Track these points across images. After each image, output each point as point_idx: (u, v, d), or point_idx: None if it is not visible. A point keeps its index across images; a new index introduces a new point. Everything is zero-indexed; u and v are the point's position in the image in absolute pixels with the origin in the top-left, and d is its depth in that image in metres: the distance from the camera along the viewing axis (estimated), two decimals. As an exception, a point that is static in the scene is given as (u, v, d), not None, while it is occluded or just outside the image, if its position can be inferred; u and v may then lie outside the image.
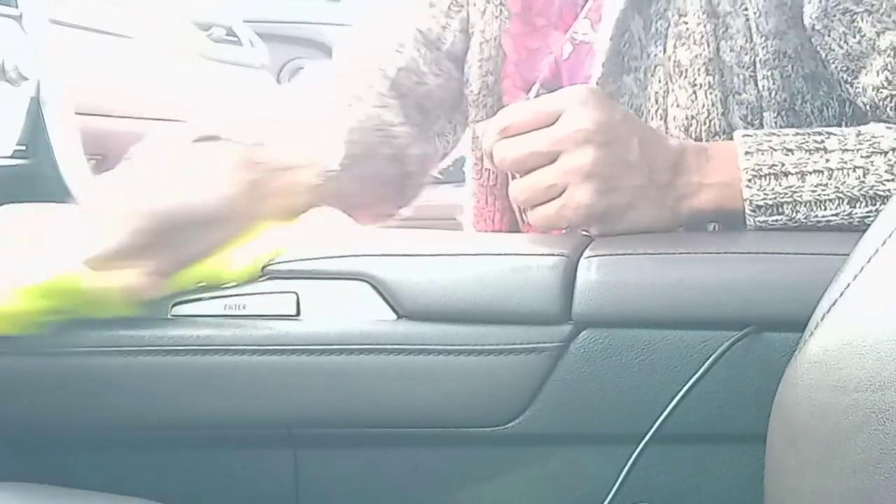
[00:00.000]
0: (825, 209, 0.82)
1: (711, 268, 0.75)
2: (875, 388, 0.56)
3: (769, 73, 0.89)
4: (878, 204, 0.82)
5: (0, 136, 1.51)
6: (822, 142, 0.84)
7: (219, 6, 2.49)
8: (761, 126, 0.90)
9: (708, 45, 0.90)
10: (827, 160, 0.83)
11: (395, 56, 1.05)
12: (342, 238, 0.91)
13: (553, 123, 0.84)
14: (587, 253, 0.77)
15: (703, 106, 0.90)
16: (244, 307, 0.79)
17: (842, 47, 0.86)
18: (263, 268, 0.82)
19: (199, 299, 0.80)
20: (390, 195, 1.06)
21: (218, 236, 0.81)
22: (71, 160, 1.58)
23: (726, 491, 0.76)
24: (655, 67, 0.92)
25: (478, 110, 1.04)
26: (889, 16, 0.85)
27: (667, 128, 0.91)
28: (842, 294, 0.60)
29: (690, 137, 0.90)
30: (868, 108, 0.87)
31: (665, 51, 0.91)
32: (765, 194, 0.83)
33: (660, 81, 0.92)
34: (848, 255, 0.62)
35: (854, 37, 0.85)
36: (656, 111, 0.92)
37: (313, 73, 1.09)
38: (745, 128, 0.90)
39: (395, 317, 0.78)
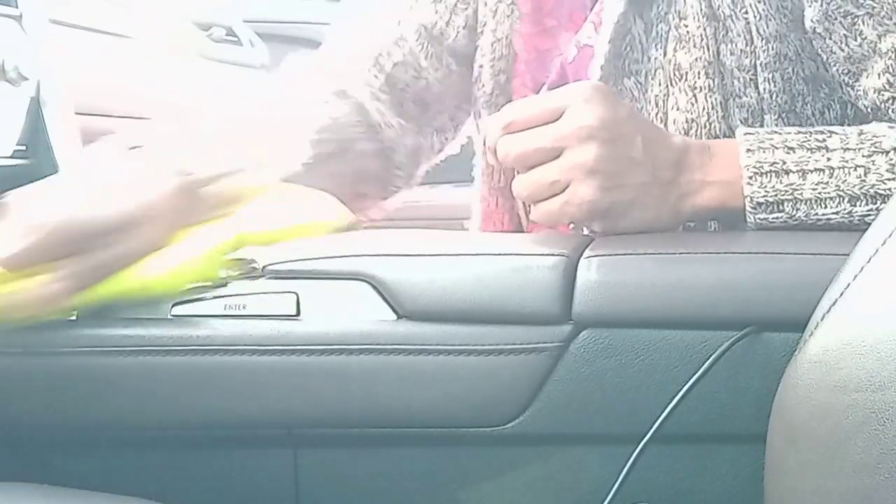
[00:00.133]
0: (826, 207, 0.82)
1: (711, 268, 0.75)
2: (875, 388, 0.56)
3: (770, 76, 0.89)
4: (878, 203, 0.82)
5: (0, 136, 1.51)
6: (824, 140, 0.84)
7: (219, 6, 2.49)
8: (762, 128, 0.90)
9: (708, 49, 0.90)
10: (828, 159, 0.83)
11: (394, 49, 1.05)
12: (342, 238, 0.91)
13: (557, 120, 0.84)
14: (587, 253, 0.77)
15: (704, 109, 0.90)
16: (244, 307, 0.79)
17: (843, 50, 0.86)
18: (264, 267, 0.82)
19: (200, 299, 0.80)
20: (373, 190, 1.05)
21: (135, 245, 0.78)
22: (71, 160, 1.58)
23: (726, 491, 0.76)
24: (656, 71, 0.92)
25: (490, 110, 1.04)
26: (890, 18, 0.85)
27: (667, 131, 0.91)
28: (842, 294, 0.60)
29: None
30: (870, 110, 0.87)
31: (665, 54, 0.91)
32: (765, 191, 0.83)
33: (660, 85, 0.92)
34: (848, 255, 0.62)
35: (855, 39, 0.85)
36: (656, 115, 0.92)
37: (298, 65, 1.09)
38: None
39: (395, 317, 0.78)
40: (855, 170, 0.82)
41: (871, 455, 0.56)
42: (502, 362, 0.76)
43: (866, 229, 0.63)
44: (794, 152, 0.84)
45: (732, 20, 0.89)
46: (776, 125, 0.90)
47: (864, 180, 0.82)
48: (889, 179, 0.82)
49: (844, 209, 0.82)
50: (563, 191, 0.83)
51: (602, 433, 0.76)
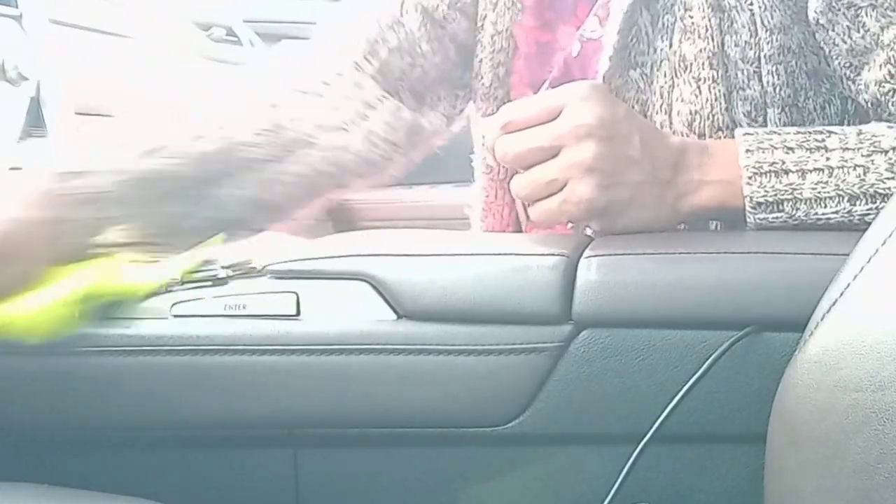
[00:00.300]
0: (825, 207, 0.83)
1: (711, 268, 0.75)
2: (875, 388, 0.56)
3: (773, 69, 0.89)
4: (878, 202, 0.82)
5: (0, 137, 1.51)
6: (823, 140, 0.84)
7: (219, 6, 2.49)
8: (765, 122, 0.90)
9: (712, 39, 0.90)
10: (827, 158, 0.83)
11: (390, 34, 1.04)
12: (342, 238, 0.91)
13: (555, 119, 0.84)
14: (587, 253, 0.77)
15: (707, 100, 0.90)
16: (244, 307, 0.79)
17: (845, 42, 0.86)
18: (264, 267, 0.82)
19: (200, 299, 0.80)
20: (370, 171, 1.03)
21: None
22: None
23: (726, 491, 0.76)
24: (661, 62, 0.92)
25: (488, 103, 1.04)
26: (893, 10, 0.85)
27: (671, 123, 0.91)
28: (842, 294, 0.60)
29: (694, 133, 0.90)
30: (870, 104, 0.87)
31: (671, 45, 0.91)
32: (765, 191, 0.83)
33: (665, 76, 0.92)
34: (848, 255, 0.62)
35: (858, 31, 0.86)
36: (661, 106, 0.92)
37: (290, 53, 1.08)
38: (749, 124, 0.90)
39: (395, 317, 0.78)
40: (854, 169, 0.82)
41: (871, 455, 0.56)
42: (502, 362, 0.76)
43: (866, 229, 0.63)
44: (794, 152, 0.84)
45: (738, 11, 0.89)
46: (779, 119, 0.90)
47: (863, 180, 0.82)
48: (888, 179, 0.82)
49: (844, 208, 0.82)
50: (562, 189, 0.84)
51: (602, 433, 0.76)
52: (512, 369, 0.75)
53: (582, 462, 0.77)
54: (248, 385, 0.78)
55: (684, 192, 0.85)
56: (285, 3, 3.13)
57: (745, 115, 0.90)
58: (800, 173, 0.83)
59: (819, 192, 0.82)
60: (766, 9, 0.88)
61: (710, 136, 0.90)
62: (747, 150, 0.84)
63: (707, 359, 0.73)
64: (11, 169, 0.83)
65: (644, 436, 0.73)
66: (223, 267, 0.83)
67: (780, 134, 0.85)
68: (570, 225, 0.91)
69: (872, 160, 0.82)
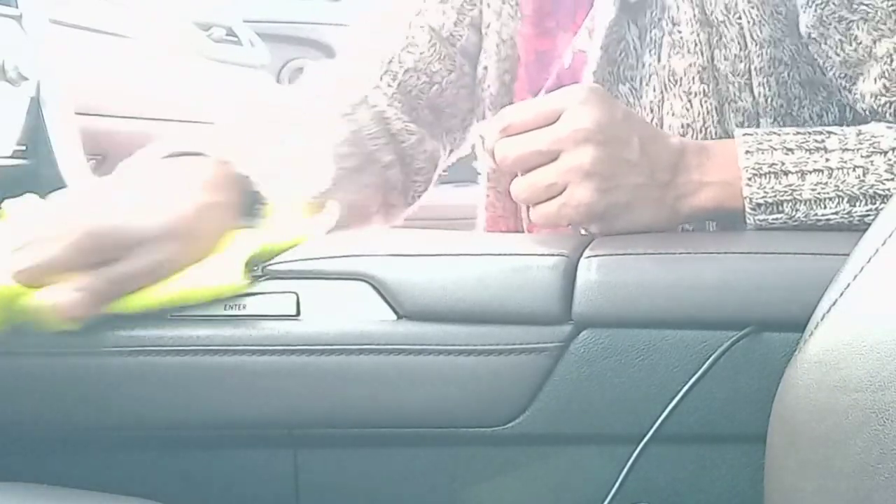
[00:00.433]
0: (825, 208, 0.83)
1: (711, 268, 0.75)
2: (875, 388, 0.56)
3: (765, 81, 0.89)
4: (877, 203, 0.82)
5: (0, 136, 1.51)
6: (823, 141, 0.84)
7: (219, 6, 2.49)
8: None
9: (702, 54, 0.90)
10: (827, 159, 0.83)
11: (405, 55, 1.05)
12: (342, 238, 0.91)
13: (554, 122, 0.84)
14: (587, 253, 0.77)
15: (699, 114, 0.90)
16: (244, 307, 0.79)
17: (838, 55, 0.86)
18: (264, 268, 0.82)
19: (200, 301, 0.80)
20: (395, 198, 1.06)
21: (164, 259, 0.77)
22: (71, 160, 1.58)
23: (726, 491, 0.76)
24: (650, 77, 0.92)
25: (495, 111, 1.04)
26: (885, 23, 0.85)
27: None
28: (842, 294, 0.60)
29: None
30: (868, 113, 0.87)
31: (660, 60, 0.91)
32: (765, 192, 0.83)
33: (655, 90, 0.92)
34: (848, 255, 0.62)
35: (850, 44, 0.86)
36: (652, 120, 0.92)
37: (313, 75, 1.09)
38: None
39: (395, 317, 0.78)
40: (854, 170, 0.82)
41: (871, 455, 0.56)
42: (502, 362, 0.76)
43: (866, 229, 0.63)
44: (793, 153, 0.84)
45: (726, 26, 0.89)
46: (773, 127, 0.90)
47: (863, 181, 0.82)
48: (888, 179, 0.82)
49: (844, 209, 0.82)
50: (561, 193, 0.84)
51: (602, 433, 0.76)
52: (512, 369, 0.75)
53: (582, 462, 0.77)
54: (248, 385, 0.78)
55: (684, 194, 0.85)
56: (285, 3, 3.13)
57: (737, 125, 0.90)
58: (799, 174, 0.83)
59: (819, 193, 0.82)
60: (754, 23, 0.88)
61: None
62: (747, 152, 0.84)
63: (707, 359, 0.73)
64: (172, 155, 0.83)
65: (644, 436, 0.73)
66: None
67: (779, 135, 0.85)
68: (569, 226, 0.91)
69: (872, 161, 0.82)
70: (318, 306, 0.79)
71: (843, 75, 0.87)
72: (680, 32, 0.90)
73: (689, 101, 0.90)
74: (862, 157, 0.83)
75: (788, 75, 0.90)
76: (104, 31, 1.96)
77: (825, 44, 0.86)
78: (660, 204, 0.85)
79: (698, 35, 0.90)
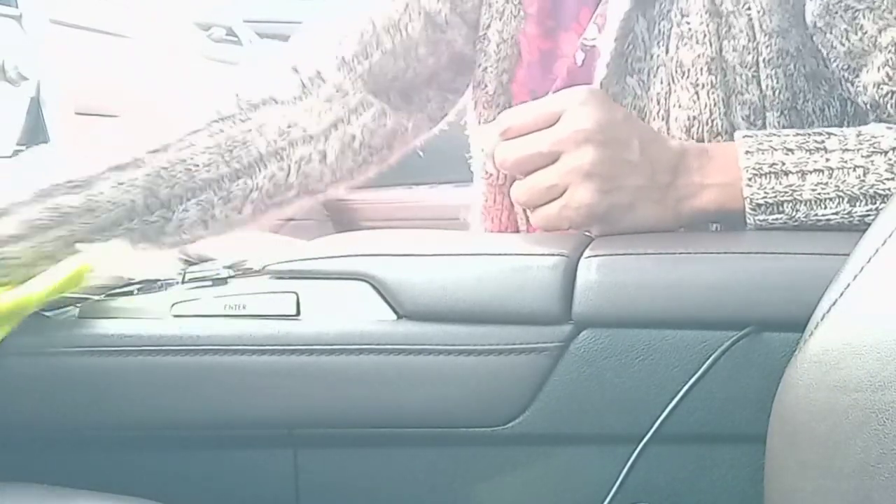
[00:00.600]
0: (825, 208, 0.82)
1: (711, 268, 0.75)
2: (875, 388, 0.56)
3: (772, 72, 0.89)
4: (877, 203, 0.82)
5: (0, 136, 1.51)
6: (823, 142, 0.84)
7: (219, 6, 2.49)
8: (764, 126, 0.90)
9: (710, 45, 0.90)
10: (827, 159, 0.83)
11: (385, 37, 1.02)
12: (342, 238, 0.91)
13: (554, 124, 0.84)
14: (587, 253, 0.77)
15: (706, 106, 0.90)
16: (244, 307, 0.79)
17: (843, 45, 0.86)
18: (264, 267, 0.82)
19: (199, 299, 0.80)
20: (343, 177, 1.01)
21: None
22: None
23: (726, 491, 0.76)
24: (658, 68, 0.92)
25: (490, 111, 1.04)
26: (890, 12, 0.85)
27: (668, 129, 0.91)
28: (842, 294, 0.60)
29: (692, 138, 0.90)
30: (869, 106, 0.87)
31: (668, 51, 0.91)
32: (765, 193, 0.83)
33: (662, 82, 0.92)
34: (848, 255, 0.62)
35: (856, 34, 0.86)
36: (658, 112, 0.92)
37: (267, 56, 1.06)
38: (748, 128, 0.90)
39: (395, 317, 0.78)
40: (854, 170, 0.82)
41: (871, 455, 0.56)
42: (502, 362, 0.76)
43: (866, 230, 0.63)
44: (793, 153, 0.84)
45: (735, 16, 0.89)
46: (778, 122, 0.90)
47: (863, 181, 0.82)
48: (888, 179, 0.82)
49: (844, 210, 0.82)
50: (562, 195, 0.84)
51: (602, 433, 0.76)
52: (512, 369, 0.75)
53: (582, 462, 0.77)
54: (248, 385, 0.78)
55: (684, 196, 0.85)
56: (285, 3, 3.13)
57: (743, 119, 0.90)
58: (800, 174, 0.83)
59: (819, 194, 0.82)
60: (764, 13, 0.89)
61: (709, 142, 0.90)
62: (747, 152, 0.84)
63: (707, 359, 0.73)
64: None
65: (644, 436, 0.73)
66: (224, 267, 0.83)
67: (779, 135, 0.85)
68: (569, 227, 0.91)
69: (872, 161, 0.82)
70: (318, 306, 0.79)
71: (846, 66, 0.87)
72: (689, 23, 0.90)
73: (697, 92, 0.90)
74: (862, 157, 0.83)
75: (795, 67, 0.90)
76: (104, 31, 1.97)
77: (830, 33, 0.86)
78: (661, 205, 0.85)
79: (707, 26, 0.90)
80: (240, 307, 0.79)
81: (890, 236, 0.59)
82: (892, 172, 0.82)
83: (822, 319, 0.60)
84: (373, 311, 0.78)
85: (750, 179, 0.83)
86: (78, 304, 0.82)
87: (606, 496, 0.73)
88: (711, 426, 0.74)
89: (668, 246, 0.78)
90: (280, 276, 0.81)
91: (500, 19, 1.03)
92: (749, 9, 0.89)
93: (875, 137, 0.83)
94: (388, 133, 1.03)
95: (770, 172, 0.83)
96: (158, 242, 0.89)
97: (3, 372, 0.79)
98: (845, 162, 0.83)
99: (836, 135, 0.84)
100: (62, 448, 0.82)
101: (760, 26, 0.89)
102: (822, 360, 0.59)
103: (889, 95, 0.85)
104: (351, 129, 1.00)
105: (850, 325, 0.59)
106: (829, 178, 0.83)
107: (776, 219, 0.83)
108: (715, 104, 0.90)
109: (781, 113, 0.90)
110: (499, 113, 1.01)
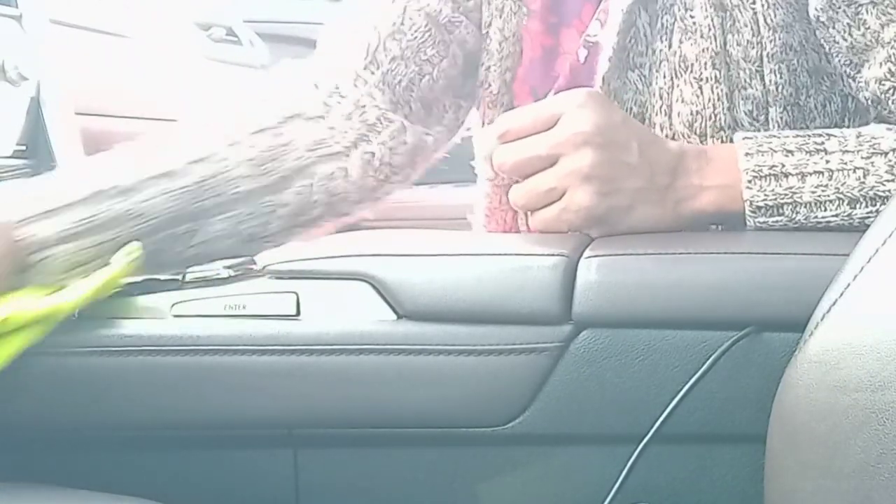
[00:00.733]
0: (825, 210, 0.82)
1: (711, 268, 0.75)
2: (875, 388, 0.56)
3: (776, 67, 0.89)
4: (878, 205, 0.82)
5: (0, 136, 1.51)
6: (822, 143, 0.84)
7: (219, 6, 2.49)
8: (766, 121, 0.90)
9: (715, 39, 0.90)
10: (827, 161, 0.83)
11: (391, 43, 1.02)
12: (342, 238, 0.91)
13: (552, 127, 0.84)
14: (587, 253, 0.77)
15: (709, 100, 0.90)
16: (244, 307, 0.79)
17: (846, 39, 0.86)
18: (264, 267, 0.82)
19: (199, 299, 0.80)
20: (367, 195, 1.00)
21: None
22: (71, 160, 1.58)
23: (726, 491, 0.76)
24: (660, 63, 0.92)
25: (495, 111, 1.03)
26: (894, 8, 0.85)
27: (671, 124, 0.91)
28: (842, 294, 0.60)
29: (695, 133, 0.90)
30: (870, 102, 0.87)
31: (670, 46, 0.91)
32: (765, 195, 0.83)
33: (664, 77, 0.92)
34: (848, 255, 0.62)
35: (858, 29, 0.86)
36: (660, 107, 0.92)
37: (290, 73, 1.06)
38: (751, 123, 0.90)
39: (395, 317, 0.78)
40: (854, 172, 0.82)
41: (871, 455, 0.56)
42: (502, 362, 0.76)
43: (866, 230, 0.63)
44: (793, 155, 0.83)
45: (740, 10, 0.89)
46: (781, 118, 0.90)
47: (863, 182, 0.82)
48: (888, 181, 0.82)
49: (844, 212, 0.82)
50: (561, 198, 0.84)
51: (602, 433, 0.76)
52: (512, 369, 0.75)
53: (582, 462, 0.77)
54: (248, 385, 0.78)
55: (683, 197, 0.85)
56: (285, 3, 3.13)
57: (746, 114, 0.90)
58: (799, 176, 0.83)
59: (819, 196, 0.82)
60: (768, 7, 0.89)
61: (712, 137, 0.90)
62: (746, 154, 0.84)
63: (707, 359, 0.73)
64: None
65: (644, 436, 0.73)
66: (224, 267, 0.83)
67: (778, 137, 0.85)
68: (568, 230, 0.91)
69: (872, 162, 0.82)
70: (318, 306, 0.79)
71: (848, 62, 0.87)
72: (693, 17, 0.90)
73: (700, 87, 0.90)
74: (862, 158, 0.83)
75: (798, 62, 0.90)
76: (104, 31, 1.97)
77: (833, 28, 0.86)
78: (660, 207, 0.85)
79: (712, 20, 0.90)
80: (240, 307, 0.79)
81: (890, 237, 0.59)
82: (892, 174, 0.82)
83: (822, 319, 0.60)
84: (373, 311, 0.78)
85: (750, 182, 0.83)
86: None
87: (606, 496, 0.73)
88: (711, 426, 0.74)
89: (668, 246, 0.78)
90: (280, 276, 0.81)
91: (501, 16, 1.03)
92: (754, 3, 0.89)
93: (875, 139, 0.83)
94: (410, 150, 1.02)
95: (770, 174, 0.83)
96: (180, 255, 0.88)
97: (4, 372, 0.79)
98: (845, 164, 0.83)
99: (835, 136, 0.84)
100: (62, 448, 0.82)
101: (765, 20, 0.89)
102: (822, 360, 0.59)
103: (891, 91, 0.85)
104: (370, 147, 0.98)
105: (850, 325, 0.59)
106: (829, 179, 0.82)
107: (776, 221, 0.83)
108: (718, 99, 0.90)
109: (784, 108, 0.90)
110: (503, 112, 1.01)
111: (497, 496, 0.79)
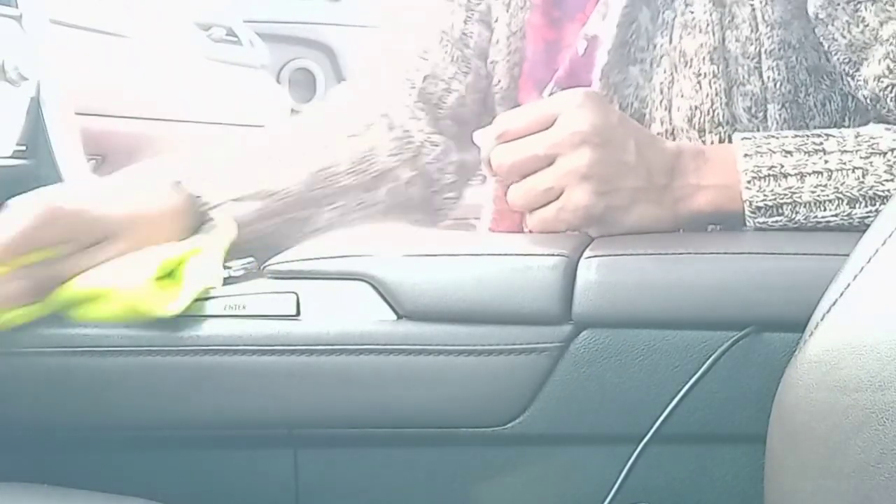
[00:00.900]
0: (825, 210, 0.82)
1: (711, 268, 0.75)
2: (875, 388, 0.56)
3: (774, 64, 0.89)
4: (877, 204, 0.82)
5: (0, 136, 1.51)
6: (821, 143, 0.84)
7: (219, 6, 2.49)
8: (765, 118, 0.90)
9: (713, 34, 0.90)
10: (826, 161, 0.83)
11: (421, 63, 1.06)
12: (342, 238, 0.91)
13: (549, 127, 0.84)
14: (587, 253, 0.77)
15: (707, 95, 0.90)
16: (244, 307, 0.79)
17: (845, 37, 0.86)
18: (264, 267, 0.82)
19: (200, 299, 0.80)
20: (424, 217, 1.06)
21: (113, 251, 0.81)
22: (71, 160, 1.58)
23: (726, 491, 0.76)
24: (661, 58, 0.92)
25: (504, 106, 1.04)
26: (892, 5, 0.85)
27: (671, 119, 0.91)
28: (842, 294, 0.60)
29: (693, 128, 0.90)
30: (869, 101, 0.88)
31: (671, 41, 0.91)
32: (764, 195, 0.83)
33: (665, 72, 0.92)
34: (848, 255, 0.62)
35: (857, 26, 0.86)
36: (661, 102, 0.92)
37: (334, 94, 1.11)
38: (749, 120, 0.90)
39: (395, 317, 0.78)
40: (853, 172, 0.82)
41: (871, 455, 0.56)
42: (502, 362, 0.76)
43: (866, 230, 0.63)
44: (792, 156, 0.84)
45: (738, 6, 0.90)
46: (779, 115, 0.90)
47: (862, 182, 0.82)
48: (887, 180, 0.82)
49: (843, 211, 0.82)
50: (558, 197, 0.84)
51: (602, 433, 0.76)
52: (512, 369, 0.75)
53: (582, 462, 0.77)
54: (248, 385, 0.78)
55: (681, 197, 0.85)
56: (285, 3, 3.13)
57: (745, 110, 0.90)
58: (798, 176, 0.83)
59: (818, 196, 0.82)
60: (766, 3, 0.89)
61: (710, 132, 0.90)
62: (745, 154, 0.84)
63: (707, 359, 0.73)
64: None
65: (644, 436, 0.73)
66: (224, 267, 0.83)
67: (777, 138, 0.85)
68: (566, 230, 0.91)
69: (871, 162, 0.82)
70: (318, 306, 0.79)
71: (847, 60, 0.87)
72: (692, 12, 0.91)
73: (699, 82, 0.91)
74: (861, 158, 0.83)
75: (796, 60, 0.90)
76: (104, 31, 1.96)
77: (832, 25, 0.87)
78: (658, 207, 0.85)
79: (711, 15, 0.90)
80: (240, 307, 0.79)
81: (890, 236, 0.59)
82: (890, 174, 0.82)
83: (822, 319, 0.60)
84: (373, 311, 0.78)
85: (749, 182, 0.83)
86: None
87: (606, 496, 0.73)
88: (711, 426, 0.74)
89: (668, 246, 0.78)
90: (280, 276, 0.81)
91: (507, 11, 1.04)
92: None
93: (874, 138, 0.83)
94: (456, 169, 1.07)
95: (769, 175, 0.83)
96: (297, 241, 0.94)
97: (4, 372, 0.79)
98: (844, 163, 0.83)
99: (834, 136, 0.84)
100: (62, 448, 0.82)
101: (763, 17, 0.89)
102: (822, 360, 0.59)
103: (889, 88, 0.85)
104: (419, 166, 1.04)
105: (850, 325, 0.59)
106: (829, 179, 0.83)
107: (776, 221, 0.83)
108: (716, 94, 0.90)
109: (783, 106, 0.90)
110: (510, 108, 1.02)
111: (497, 496, 0.79)
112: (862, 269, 0.60)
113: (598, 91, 0.92)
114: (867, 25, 0.85)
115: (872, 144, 0.83)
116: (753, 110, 0.90)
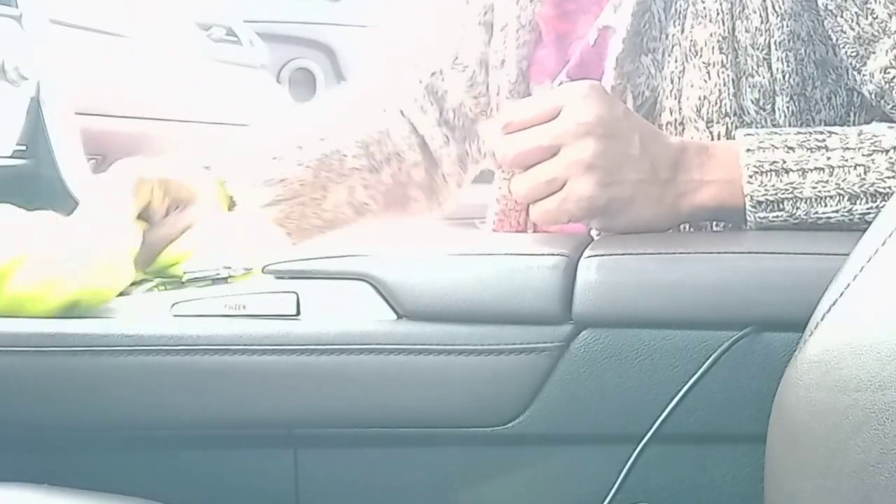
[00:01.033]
0: (826, 206, 0.83)
1: (711, 268, 0.75)
2: (875, 388, 0.56)
3: (783, 56, 0.90)
4: (878, 201, 0.82)
5: (0, 136, 1.51)
6: (824, 140, 0.84)
7: (219, 6, 2.49)
8: (773, 111, 0.90)
9: (723, 24, 0.90)
10: (828, 158, 0.83)
11: (436, 81, 1.14)
12: (342, 238, 0.91)
13: (554, 118, 0.84)
14: (587, 253, 0.77)
15: (716, 85, 0.90)
16: (244, 307, 0.79)
17: (853, 29, 0.86)
18: (264, 267, 0.82)
19: (200, 299, 0.80)
20: (422, 197, 1.15)
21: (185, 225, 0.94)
22: (71, 160, 1.58)
23: (726, 491, 0.76)
24: (673, 48, 0.92)
25: (513, 99, 1.05)
26: None
27: (680, 108, 0.91)
28: (842, 294, 0.60)
29: (701, 118, 0.91)
30: (874, 96, 0.88)
31: (683, 31, 0.91)
32: (766, 190, 0.83)
33: (676, 62, 0.92)
34: (848, 255, 0.62)
35: (866, 18, 0.86)
36: (671, 91, 0.92)
37: (353, 82, 1.23)
38: (757, 111, 0.90)
39: (395, 317, 0.78)
40: (855, 168, 0.82)
41: (871, 455, 0.56)
42: (502, 362, 0.76)
43: (866, 228, 0.63)
44: (794, 151, 0.84)
45: None
46: (787, 108, 0.90)
47: (863, 179, 0.82)
48: (889, 178, 0.82)
49: (844, 207, 0.82)
50: (562, 188, 0.84)
51: (602, 433, 0.76)
52: (512, 369, 0.75)
53: (582, 462, 0.77)
54: (248, 385, 0.78)
55: (684, 192, 0.85)
56: (285, 3, 3.13)
57: (753, 102, 0.90)
58: (800, 172, 0.83)
59: (819, 191, 0.82)
60: None
61: (718, 122, 0.90)
62: (748, 150, 0.84)
63: (707, 359, 0.73)
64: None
65: (644, 436, 0.73)
66: (224, 267, 0.83)
67: (780, 134, 0.85)
68: (569, 221, 0.91)
69: (873, 159, 0.82)
70: (318, 306, 0.79)
71: (854, 53, 0.87)
72: (703, 2, 0.91)
73: (708, 71, 0.91)
74: (863, 155, 0.83)
75: (805, 52, 0.90)
76: (104, 31, 1.96)
77: (841, 17, 0.87)
78: (660, 201, 0.85)
79: (721, 4, 0.90)
80: (240, 307, 0.79)
81: (890, 236, 0.59)
82: (892, 171, 0.82)
83: (822, 319, 0.60)
84: (373, 311, 0.78)
85: (751, 177, 0.83)
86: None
87: (606, 496, 0.73)
88: (711, 426, 0.74)
89: (668, 246, 0.78)
90: (280, 276, 0.81)
91: (517, 4, 1.04)
92: None
93: (876, 136, 0.83)
94: (454, 161, 1.16)
95: (771, 170, 0.83)
96: (310, 222, 1.06)
97: (3, 372, 0.79)
98: (846, 160, 0.83)
99: (837, 133, 0.84)
100: (62, 448, 0.82)
101: (773, 7, 0.89)
102: (822, 360, 0.59)
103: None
104: (425, 152, 1.15)
105: (850, 325, 0.59)
106: (830, 176, 0.83)
107: (776, 216, 0.83)
108: (725, 84, 0.90)
109: (791, 98, 0.90)
110: (519, 100, 1.03)
111: (497, 496, 0.79)
112: (862, 268, 0.59)
113: (612, 80, 0.92)
114: (876, 17, 0.86)
115: (875, 142, 0.83)
116: (762, 102, 0.90)
